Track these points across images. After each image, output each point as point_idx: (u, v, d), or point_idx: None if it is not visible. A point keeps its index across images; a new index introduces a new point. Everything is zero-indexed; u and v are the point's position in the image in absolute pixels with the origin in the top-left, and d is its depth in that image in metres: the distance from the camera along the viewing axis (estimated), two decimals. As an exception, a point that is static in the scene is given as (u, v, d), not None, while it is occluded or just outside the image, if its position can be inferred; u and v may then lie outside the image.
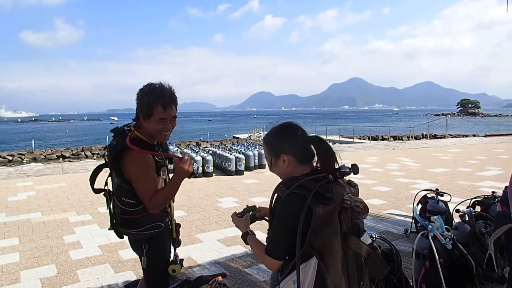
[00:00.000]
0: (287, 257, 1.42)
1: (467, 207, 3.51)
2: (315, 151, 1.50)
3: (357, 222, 1.41)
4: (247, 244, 1.65)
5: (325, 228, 1.33)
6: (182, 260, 2.26)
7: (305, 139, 1.52)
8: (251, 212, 1.81)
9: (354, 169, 1.46)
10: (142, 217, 1.97)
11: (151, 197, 1.90)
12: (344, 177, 1.50)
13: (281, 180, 1.49)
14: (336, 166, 1.49)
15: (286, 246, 1.36)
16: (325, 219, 1.32)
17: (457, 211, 3.38)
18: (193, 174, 2.00)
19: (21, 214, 6.00)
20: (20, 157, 25.64)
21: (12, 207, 6.50)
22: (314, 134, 1.61)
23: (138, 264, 3.75)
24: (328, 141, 1.52)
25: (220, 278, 3.33)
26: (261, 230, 3.92)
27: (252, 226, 1.76)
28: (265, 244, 1.50)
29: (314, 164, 1.51)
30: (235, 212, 1.83)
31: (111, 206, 2.07)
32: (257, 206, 1.85)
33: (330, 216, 1.33)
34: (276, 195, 1.46)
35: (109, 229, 2.12)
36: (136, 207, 1.95)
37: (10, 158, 25.29)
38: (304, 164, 1.49)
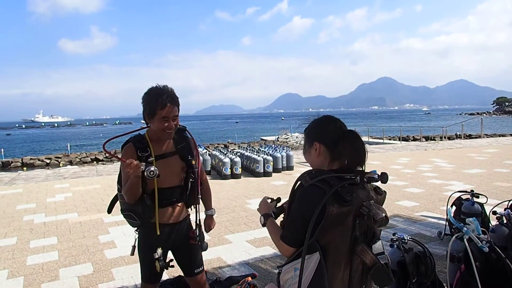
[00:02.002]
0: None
1: (505, 209, 3.35)
2: (348, 146, 1.46)
3: (373, 228, 1.39)
4: (263, 226, 1.65)
5: (335, 228, 1.32)
6: (170, 260, 2.26)
7: (341, 131, 1.50)
8: (277, 203, 1.80)
9: (383, 177, 1.42)
10: (122, 202, 2.23)
11: (122, 186, 2.13)
12: (372, 183, 1.47)
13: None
14: (366, 169, 1.47)
15: (302, 234, 1.34)
16: (336, 220, 1.31)
17: (494, 213, 3.25)
18: (148, 177, 1.95)
19: (59, 215, 6.27)
20: (57, 160, 26.79)
21: (50, 207, 6.81)
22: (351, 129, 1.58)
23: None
24: None
25: (249, 278, 3.37)
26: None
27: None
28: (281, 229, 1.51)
29: (346, 161, 1.47)
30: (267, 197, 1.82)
31: None
32: (281, 198, 1.83)
33: (342, 218, 1.32)
34: (299, 182, 1.46)
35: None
36: (120, 191, 2.21)
37: (48, 161, 26.49)
38: (335, 158, 1.47)
